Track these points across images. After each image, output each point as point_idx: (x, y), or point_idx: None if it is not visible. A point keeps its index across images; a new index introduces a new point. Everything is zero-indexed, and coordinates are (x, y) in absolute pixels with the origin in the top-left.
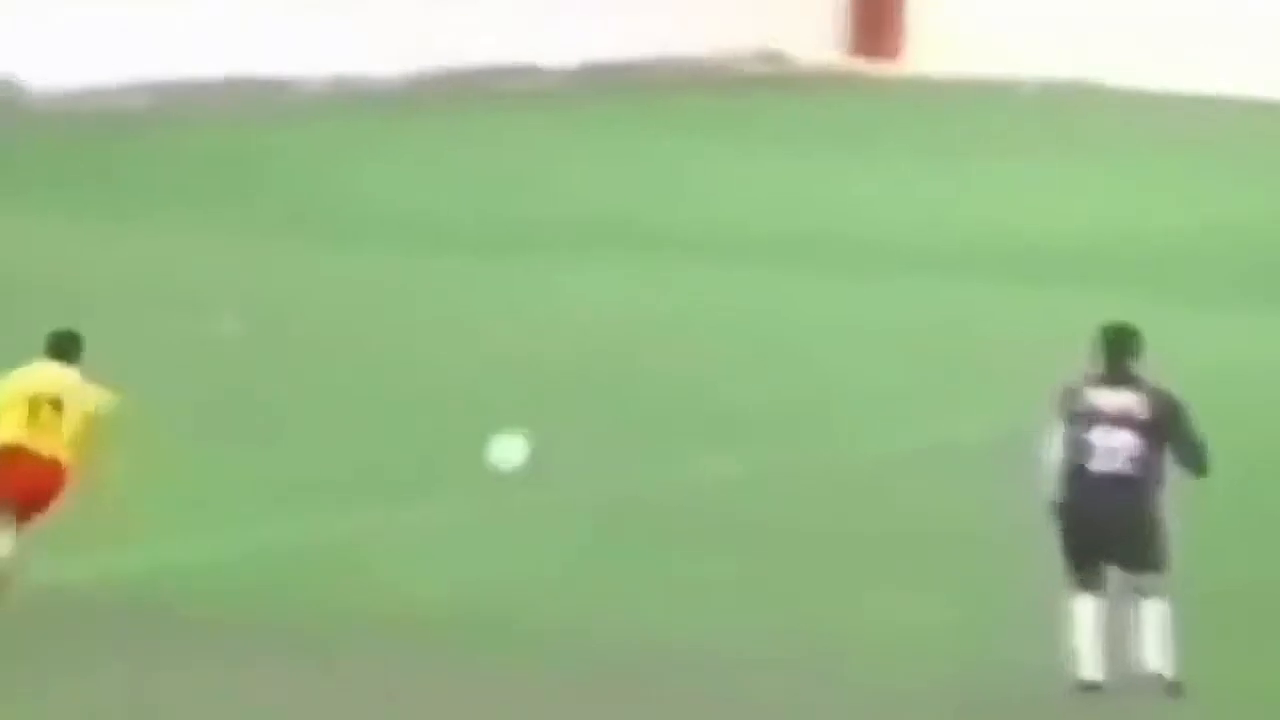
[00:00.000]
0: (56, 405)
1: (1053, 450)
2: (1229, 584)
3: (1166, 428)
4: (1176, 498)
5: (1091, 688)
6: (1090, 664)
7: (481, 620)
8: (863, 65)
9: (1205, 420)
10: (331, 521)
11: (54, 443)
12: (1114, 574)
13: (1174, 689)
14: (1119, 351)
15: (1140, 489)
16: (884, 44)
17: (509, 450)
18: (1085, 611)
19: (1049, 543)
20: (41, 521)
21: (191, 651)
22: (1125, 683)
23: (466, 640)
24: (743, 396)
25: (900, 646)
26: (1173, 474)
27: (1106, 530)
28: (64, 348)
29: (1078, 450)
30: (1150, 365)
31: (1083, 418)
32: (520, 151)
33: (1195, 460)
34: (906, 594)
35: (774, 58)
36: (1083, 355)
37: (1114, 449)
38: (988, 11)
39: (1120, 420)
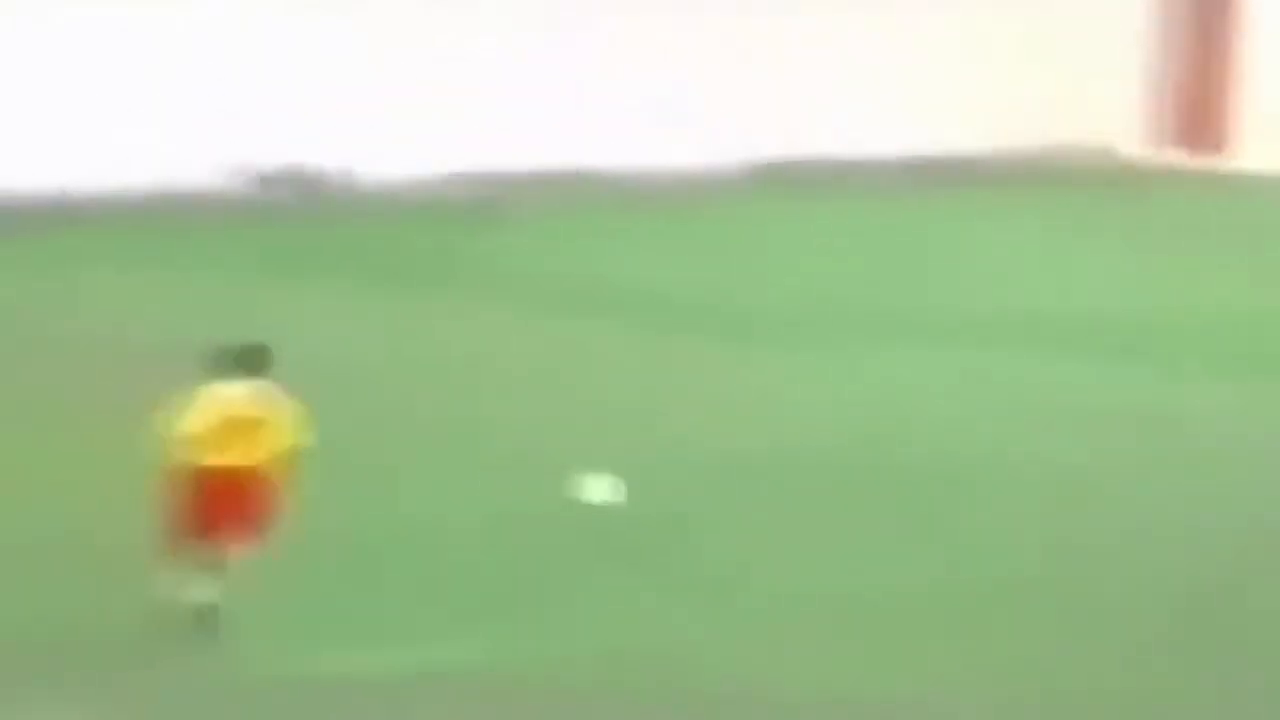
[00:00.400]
0: (252, 421)
1: None
2: None
3: None
4: None
5: None
6: None
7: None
8: (1186, 159)
9: None
10: (627, 612)
11: (253, 457)
12: None
13: None
14: None
15: None
16: (1208, 137)
17: (598, 488)
18: None
19: None
20: (258, 538)
21: None
22: None
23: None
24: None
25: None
26: None
27: None
28: (253, 362)
29: None
30: None
31: None
32: (845, 242)
33: None
34: (1148, 665)
35: (1098, 151)
36: None
37: None
38: None
39: None
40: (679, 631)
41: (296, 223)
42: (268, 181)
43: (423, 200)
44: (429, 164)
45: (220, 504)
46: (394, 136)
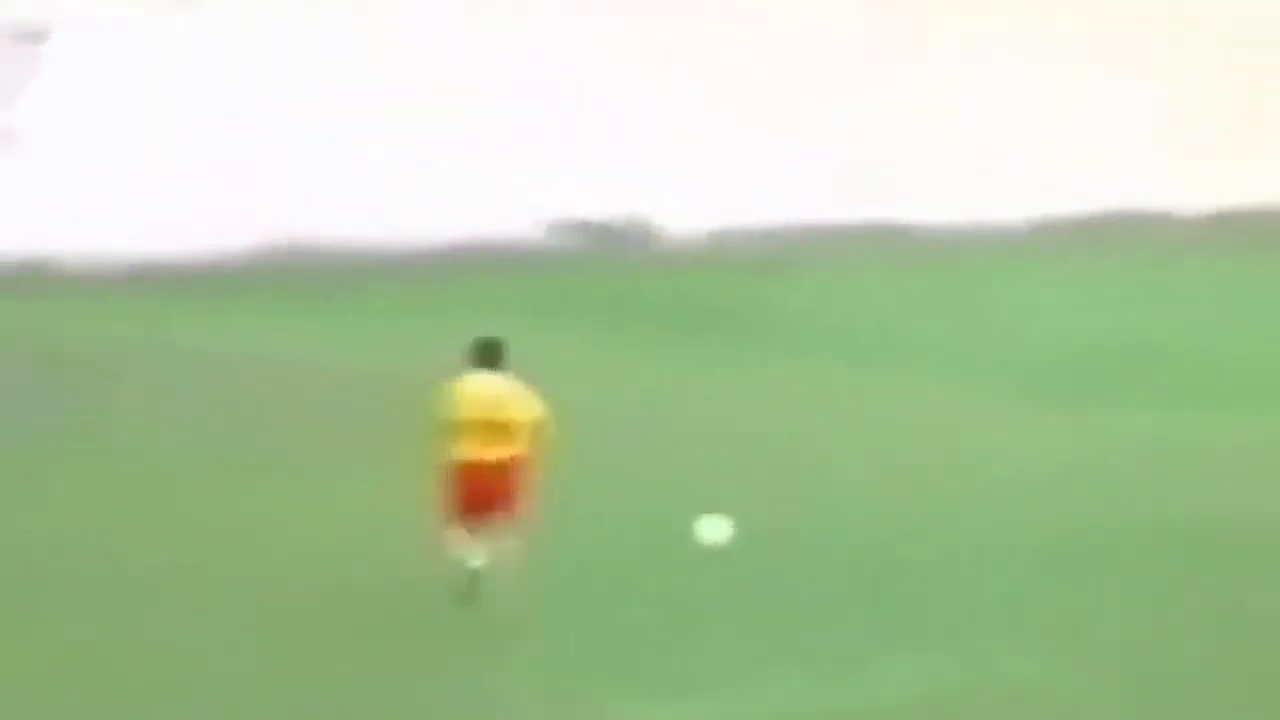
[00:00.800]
0: (503, 415)
1: None
2: None
3: None
4: None
5: None
6: None
7: None
8: None
9: None
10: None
11: (503, 448)
12: None
13: None
14: None
15: None
16: None
17: (715, 529)
18: None
19: None
20: (515, 520)
21: None
22: None
23: None
24: None
25: None
26: None
27: None
28: (490, 355)
29: None
30: None
31: None
32: (1145, 304)
33: None
34: None
35: None
36: None
37: None
38: None
39: None
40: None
41: (592, 273)
42: (563, 232)
43: (715, 252)
44: (723, 217)
45: (479, 493)
46: (691, 189)
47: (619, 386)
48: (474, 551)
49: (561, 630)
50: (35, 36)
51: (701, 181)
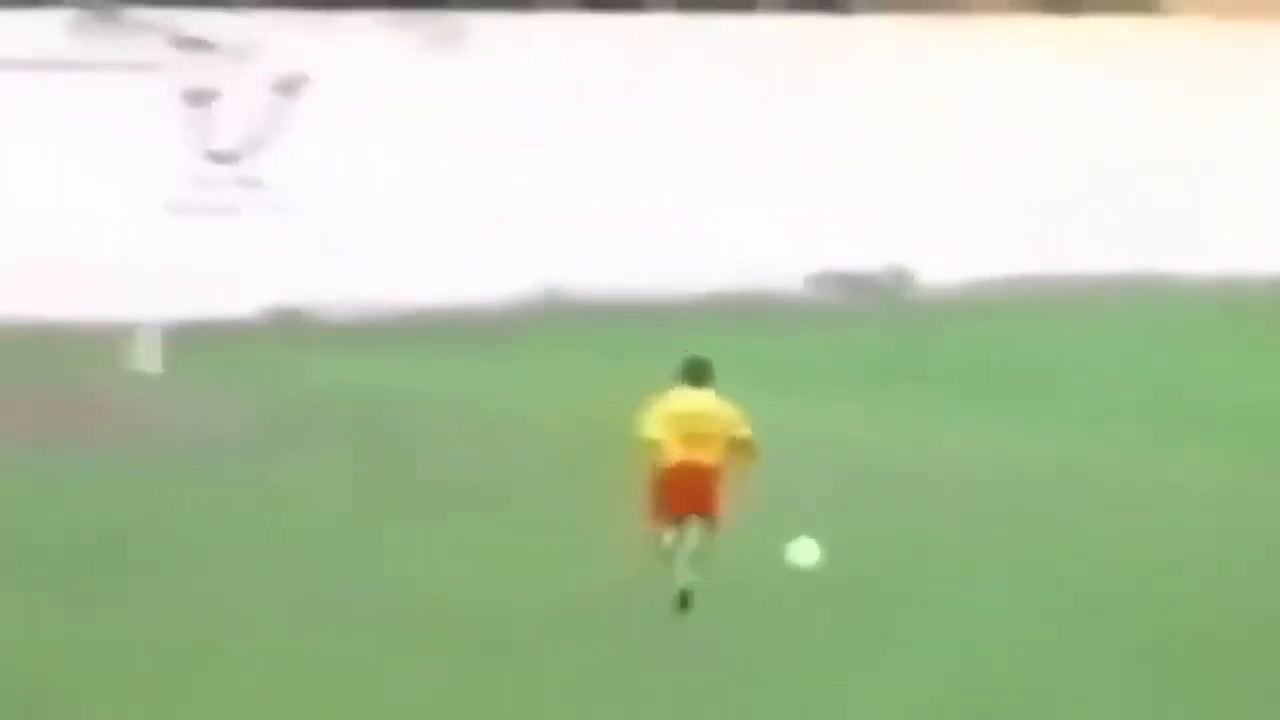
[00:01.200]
0: (706, 424)
1: None
2: None
3: None
4: None
5: None
6: None
7: None
8: None
9: None
10: None
11: (708, 454)
12: None
13: None
14: None
15: None
16: None
17: (804, 552)
18: None
19: None
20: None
21: None
22: None
23: None
24: None
25: None
26: None
27: None
28: (699, 373)
29: None
30: None
31: None
32: None
33: None
34: None
35: None
36: None
37: None
38: None
39: None
40: None
41: (850, 324)
42: (821, 283)
43: (974, 301)
44: (983, 266)
45: (685, 496)
46: (950, 238)
47: (873, 434)
48: (674, 553)
49: (760, 659)
50: (291, 85)
51: (961, 230)
